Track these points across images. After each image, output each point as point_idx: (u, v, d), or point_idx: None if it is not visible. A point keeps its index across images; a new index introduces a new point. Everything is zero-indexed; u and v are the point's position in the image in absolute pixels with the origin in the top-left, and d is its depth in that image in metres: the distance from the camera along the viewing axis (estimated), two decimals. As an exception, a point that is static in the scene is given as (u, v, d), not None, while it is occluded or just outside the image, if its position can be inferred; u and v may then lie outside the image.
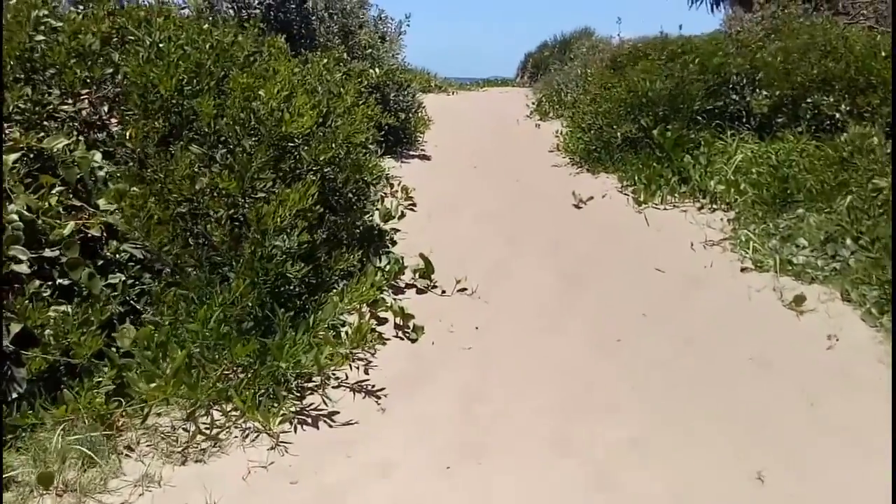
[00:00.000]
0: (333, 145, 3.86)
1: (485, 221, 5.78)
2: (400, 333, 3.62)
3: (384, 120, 6.78)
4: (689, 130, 7.44)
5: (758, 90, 7.76)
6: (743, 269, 4.67)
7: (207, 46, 3.94)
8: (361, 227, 4.49)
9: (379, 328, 3.61)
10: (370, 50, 7.58)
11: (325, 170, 3.91)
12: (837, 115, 6.96)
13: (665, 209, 6.18)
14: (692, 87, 7.44)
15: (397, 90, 7.99)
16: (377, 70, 6.76)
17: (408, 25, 12.59)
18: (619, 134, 7.34)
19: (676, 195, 6.37)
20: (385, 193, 6.22)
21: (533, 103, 12.76)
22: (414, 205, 6.13)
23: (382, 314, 3.66)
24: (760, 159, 6.64)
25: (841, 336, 3.62)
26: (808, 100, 7.11)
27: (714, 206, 6.06)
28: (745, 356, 3.45)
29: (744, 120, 7.79)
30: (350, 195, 4.10)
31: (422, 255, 4.30)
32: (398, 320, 3.62)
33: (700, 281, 4.49)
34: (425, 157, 8.41)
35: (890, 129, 6.19)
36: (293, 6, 6.72)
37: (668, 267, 4.74)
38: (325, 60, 5.02)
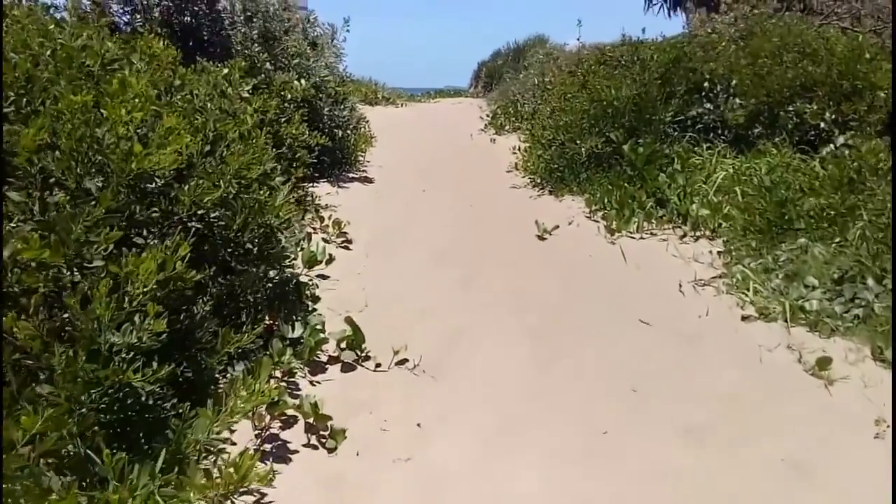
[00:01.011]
0: (221, 182, 2.92)
1: (434, 262, 4.88)
2: (313, 439, 2.67)
3: (314, 140, 5.85)
4: (661, 144, 6.73)
5: (731, 98, 7.13)
6: (745, 318, 3.88)
7: (47, 53, 2.96)
8: (273, 282, 3.54)
9: (284, 433, 2.66)
10: (297, 59, 6.63)
11: (213, 215, 2.96)
12: (822, 125, 6.33)
13: (642, 238, 5.40)
14: (657, 92, 6.72)
15: (332, 104, 7.06)
16: (302, 82, 5.82)
17: (347, 31, 11.71)
18: (583, 150, 6.56)
19: (653, 221, 5.59)
20: (314, 228, 5.27)
21: (487, 115, 12.00)
22: (349, 242, 5.19)
23: (290, 411, 2.71)
24: (743, 177, 5.94)
25: (889, 416, 2.83)
26: (790, 108, 6.48)
27: (697, 234, 5.30)
28: (774, 457, 2.62)
29: (719, 131, 7.13)
30: (249, 245, 3.14)
31: (348, 320, 3.37)
32: (311, 420, 2.67)
33: (696, 337, 3.66)
34: (367, 181, 7.48)
35: (890, 136, 5.60)
36: (200, 8, 5.75)
37: (654, 317, 3.91)
38: (226, 71, 4.06)
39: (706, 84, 7.20)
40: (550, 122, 7.06)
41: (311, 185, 6.82)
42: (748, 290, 4.17)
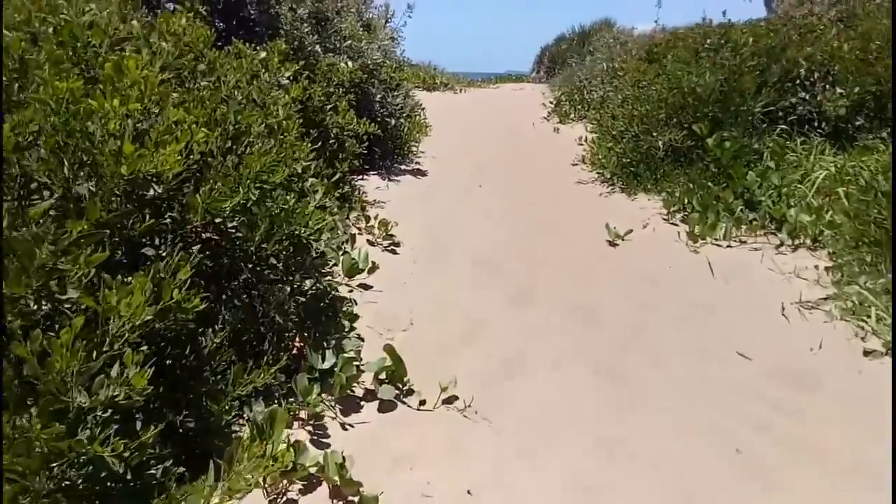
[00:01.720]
0: (240, 187, 2.46)
1: (489, 272, 4.34)
2: (340, 505, 2.19)
3: (363, 128, 5.37)
4: (750, 138, 5.99)
5: (830, 87, 6.31)
6: (868, 353, 3.21)
7: (45, 29, 2.55)
8: (306, 296, 3.08)
9: (304, 498, 2.19)
10: (349, 42, 6.16)
11: (230, 225, 2.51)
12: (943, 118, 5.49)
13: (730, 247, 4.72)
14: (747, 79, 5.96)
15: (384, 90, 6.57)
16: (349, 63, 5.34)
17: (409, 17, 11.28)
18: (661, 143, 5.88)
19: (743, 226, 4.90)
20: (359, 229, 4.81)
21: (551, 102, 11.32)
22: (396, 245, 4.70)
23: (313, 468, 2.23)
24: (847, 177, 5.17)
25: None
26: (909, 97, 5.64)
27: (796, 243, 4.60)
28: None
29: (815, 124, 6.33)
30: (274, 260, 2.68)
31: (388, 349, 2.88)
32: (337, 483, 2.20)
33: (808, 380, 3.02)
34: (420, 173, 6.99)
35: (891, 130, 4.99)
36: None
37: (754, 349, 3.28)
38: (264, 54, 3.61)
39: (802, 71, 6.40)
40: (622, 111, 6.38)
41: (360, 177, 6.37)
42: (868, 316, 3.49)
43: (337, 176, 5.01)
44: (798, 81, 6.44)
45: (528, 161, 7.59)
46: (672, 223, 5.32)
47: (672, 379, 3.05)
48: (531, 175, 6.93)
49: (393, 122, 6.74)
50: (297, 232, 2.68)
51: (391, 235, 4.63)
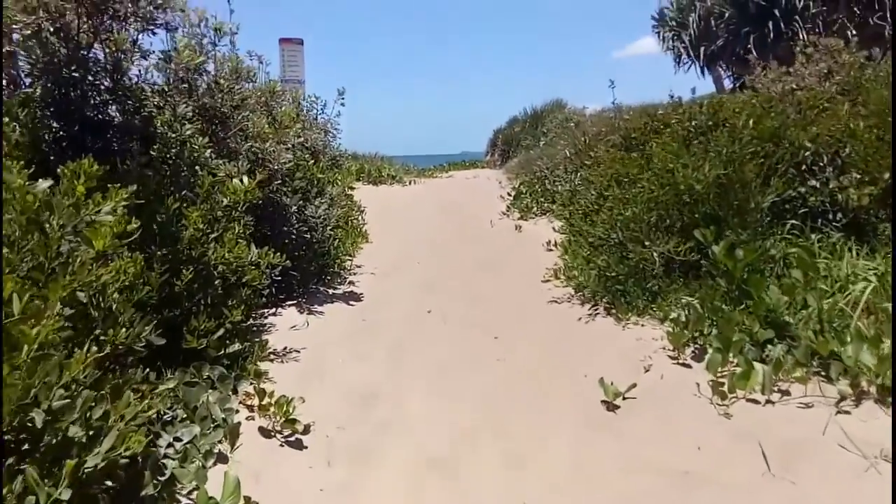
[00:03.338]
0: None
1: (437, 474, 2.96)
2: None
3: (264, 261, 4.07)
4: (763, 241, 4.89)
5: (845, 172, 5.34)
6: None
7: None
8: None
9: None
10: (249, 144, 4.95)
11: None
12: None
13: (770, 403, 3.46)
14: (749, 168, 4.92)
15: (300, 201, 5.32)
16: (245, 180, 4.07)
17: (342, 104, 10.32)
18: (655, 254, 4.71)
19: (783, 370, 3.66)
20: (250, 408, 3.41)
21: (509, 194, 10.28)
22: (302, 432, 3.29)
23: None
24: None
25: None
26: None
27: (860, 392, 3.38)
28: None
29: (830, 216, 5.30)
30: None
31: None
32: None
33: None
34: (353, 298, 5.66)
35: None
36: (101, 81, 4.11)
37: None
38: (47, 185, 2.32)
39: (807, 155, 5.43)
40: (602, 216, 5.24)
41: (271, 311, 5.03)
42: None
43: (220, 332, 3.65)
44: (804, 167, 5.46)
45: (489, 273, 6.35)
46: (683, 363, 4.07)
47: None
48: (493, 293, 5.68)
49: (316, 235, 5.46)
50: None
51: (292, 421, 3.22)
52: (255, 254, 4.07)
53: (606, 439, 3.26)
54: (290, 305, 5.24)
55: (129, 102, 4.35)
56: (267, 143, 5.00)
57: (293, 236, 5.19)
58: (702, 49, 17.20)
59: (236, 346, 3.72)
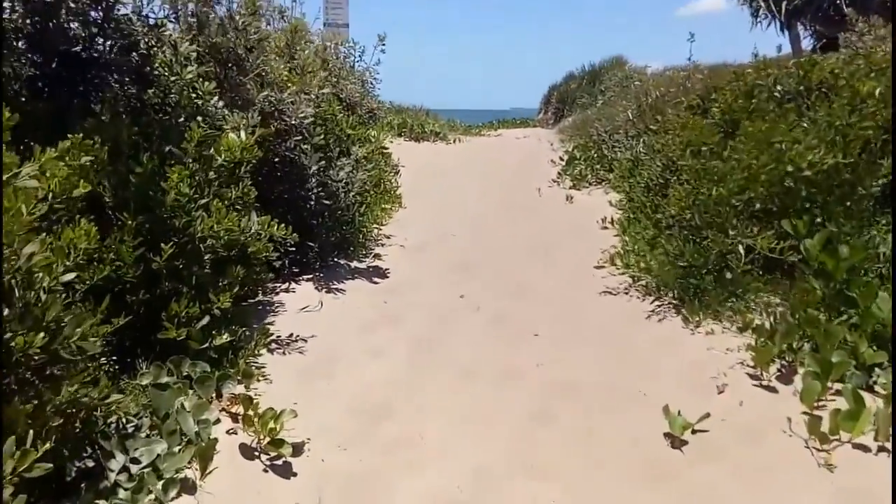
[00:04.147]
0: None
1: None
2: None
3: (266, 232, 3.46)
4: (867, 234, 4.06)
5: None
6: None
7: None
8: None
9: None
10: (266, 92, 4.30)
11: None
12: None
13: (884, 451, 2.73)
14: (856, 145, 4.05)
15: (322, 160, 4.67)
16: (242, 135, 3.42)
17: (382, 51, 9.57)
18: (741, 247, 3.92)
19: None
20: (234, 417, 2.83)
21: (561, 158, 9.44)
22: (296, 449, 2.70)
23: None
24: None
25: None
26: None
27: None
28: None
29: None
30: None
31: None
32: None
33: None
34: (377, 275, 5.04)
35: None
36: (87, 14, 3.50)
37: None
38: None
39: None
40: (674, 190, 4.45)
41: (282, 287, 4.45)
42: None
43: (205, 320, 3.07)
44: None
45: (533, 253, 5.63)
46: (767, 386, 3.34)
47: None
48: (536, 279, 4.97)
49: (339, 202, 4.83)
50: None
51: (279, 443, 2.63)
52: (255, 223, 3.45)
53: (672, 498, 2.57)
54: (306, 280, 4.65)
55: (117, 36, 3.74)
56: (286, 93, 4.34)
57: (311, 203, 4.56)
58: (783, 3, 15.76)
59: (225, 338, 3.13)
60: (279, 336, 3.74)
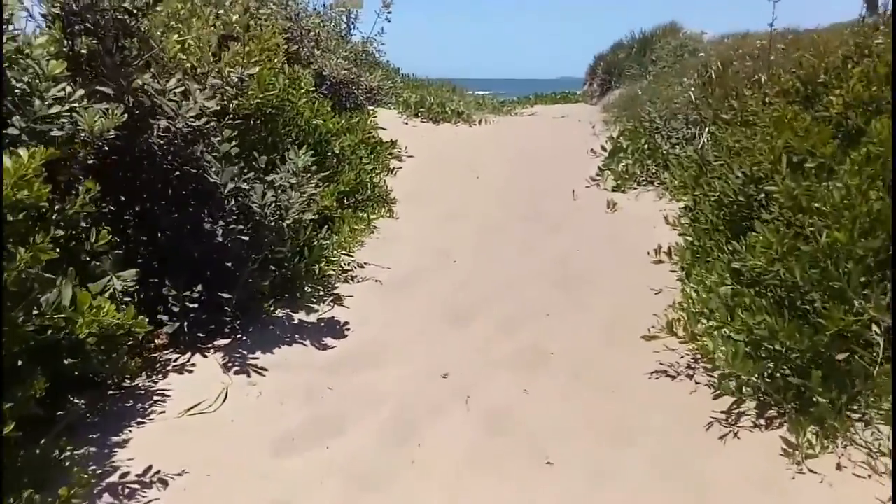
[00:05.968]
0: None
1: None
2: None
3: (91, 316, 2.07)
4: None
5: None
6: None
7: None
8: None
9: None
10: (146, 76, 2.90)
11: None
12: None
13: None
14: None
15: (244, 170, 3.27)
16: (21, 154, 2.05)
17: (387, 20, 8.45)
18: (876, 325, 2.40)
19: None
20: None
21: (603, 147, 7.84)
22: None
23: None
24: None
25: None
26: None
27: None
28: None
29: None
30: None
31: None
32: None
33: None
34: (331, 333, 3.61)
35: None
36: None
37: None
38: None
39: None
40: (762, 232, 2.90)
41: (175, 363, 3.10)
42: None
43: None
44: None
45: (560, 296, 4.14)
46: None
47: None
48: (560, 342, 3.50)
49: (266, 233, 3.42)
50: None
51: None
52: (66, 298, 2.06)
53: None
54: (215, 350, 3.28)
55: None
56: (172, 80, 2.94)
57: (220, 237, 3.17)
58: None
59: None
60: (120, 482, 2.37)
